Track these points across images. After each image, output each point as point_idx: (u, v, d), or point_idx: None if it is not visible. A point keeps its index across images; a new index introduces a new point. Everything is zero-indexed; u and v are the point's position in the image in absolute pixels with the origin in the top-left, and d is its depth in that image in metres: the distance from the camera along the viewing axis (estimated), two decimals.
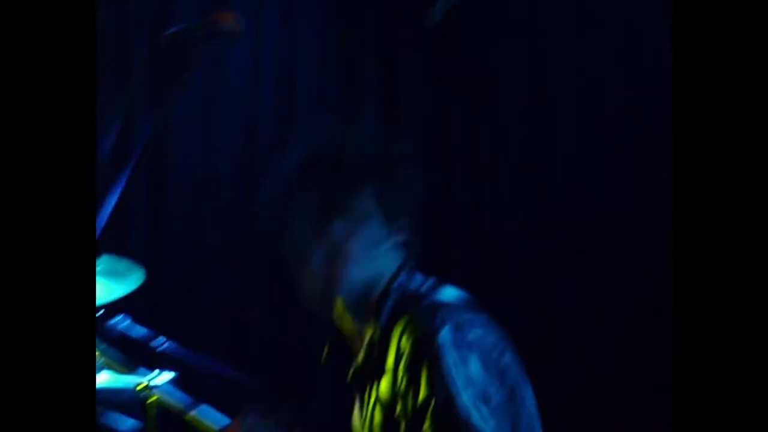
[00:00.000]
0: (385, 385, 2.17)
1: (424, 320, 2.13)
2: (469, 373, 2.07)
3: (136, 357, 3.37)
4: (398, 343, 2.15)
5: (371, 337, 2.25)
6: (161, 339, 3.31)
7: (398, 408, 2.12)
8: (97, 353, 3.39)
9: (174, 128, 4.67)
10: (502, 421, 2.06)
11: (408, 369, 2.10)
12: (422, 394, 2.07)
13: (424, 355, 2.09)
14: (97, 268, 1.83)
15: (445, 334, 2.09)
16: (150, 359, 3.32)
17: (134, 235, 4.66)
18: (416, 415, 2.07)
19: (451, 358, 2.07)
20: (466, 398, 2.04)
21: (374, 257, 2.26)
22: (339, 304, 2.29)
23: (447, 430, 2.03)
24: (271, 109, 4.88)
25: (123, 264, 3.33)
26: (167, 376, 3.19)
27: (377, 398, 2.19)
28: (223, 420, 3.06)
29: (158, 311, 4.48)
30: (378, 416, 2.18)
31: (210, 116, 4.81)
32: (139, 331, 3.40)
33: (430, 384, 2.06)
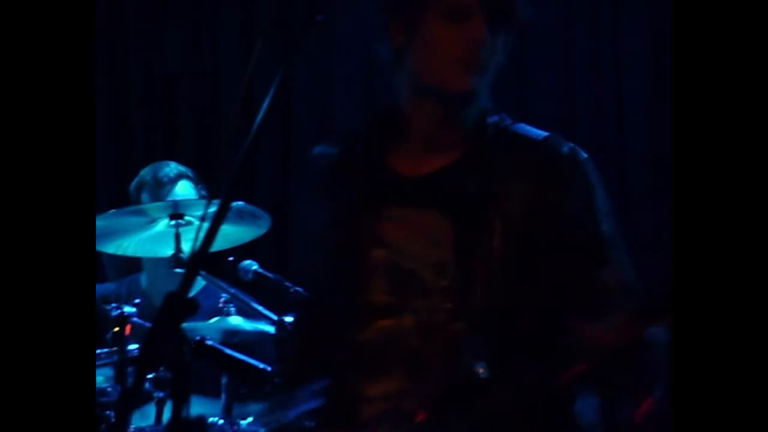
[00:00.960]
0: (512, 203, 2.13)
1: (555, 142, 2.19)
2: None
3: (266, 301, 3.45)
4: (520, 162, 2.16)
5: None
6: (289, 284, 3.37)
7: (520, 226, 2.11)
8: (227, 297, 3.49)
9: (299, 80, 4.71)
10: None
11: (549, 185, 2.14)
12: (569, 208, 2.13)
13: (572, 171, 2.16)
14: (227, 213, 1.85)
15: (583, 155, 2.19)
16: (279, 305, 3.38)
17: (262, 184, 4.75)
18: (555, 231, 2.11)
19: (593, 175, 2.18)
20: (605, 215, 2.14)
21: None
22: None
23: (591, 239, 2.12)
24: None
25: (251, 210, 3.40)
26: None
27: (498, 219, 2.12)
28: None
29: (285, 259, 4.55)
30: (503, 239, 2.11)
31: (331, 70, 4.83)
32: (268, 275, 3.47)
33: (576, 197, 2.14)
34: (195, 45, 5.01)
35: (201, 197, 3.89)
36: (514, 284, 2.10)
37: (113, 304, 3.30)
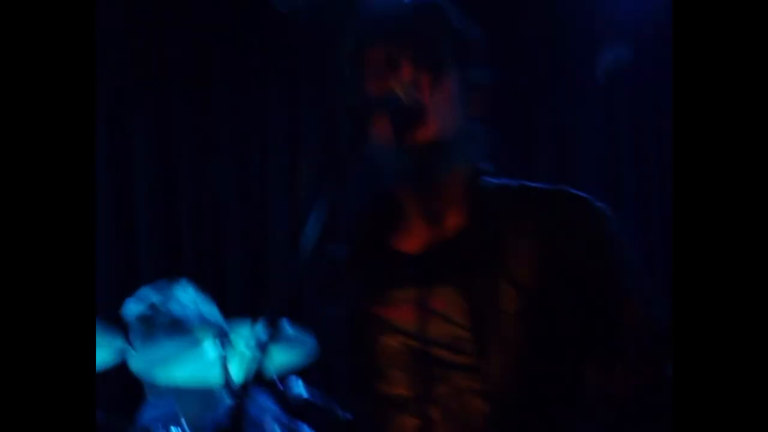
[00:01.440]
0: (521, 266, 2.07)
1: (563, 196, 2.14)
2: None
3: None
4: (541, 220, 2.10)
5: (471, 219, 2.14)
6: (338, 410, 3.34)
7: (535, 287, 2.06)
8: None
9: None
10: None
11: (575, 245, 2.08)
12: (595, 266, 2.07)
13: (598, 229, 2.10)
14: (275, 336, 1.85)
15: (597, 205, 2.13)
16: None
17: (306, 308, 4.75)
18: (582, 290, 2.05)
19: (610, 226, 2.12)
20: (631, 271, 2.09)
21: None
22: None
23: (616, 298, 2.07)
24: None
25: (298, 335, 3.39)
26: None
27: (509, 281, 2.06)
28: None
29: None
30: (514, 301, 2.06)
31: None
32: (315, 394, 3.45)
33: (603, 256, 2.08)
34: (241, 169, 5.09)
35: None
36: (534, 346, 2.06)
37: None
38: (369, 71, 2.12)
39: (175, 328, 3.73)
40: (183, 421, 3.53)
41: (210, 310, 3.91)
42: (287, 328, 3.35)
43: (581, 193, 2.15)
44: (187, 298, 3.92)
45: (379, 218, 2.25)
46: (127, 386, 4.20)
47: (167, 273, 4.95)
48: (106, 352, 3.56)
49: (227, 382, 3.33)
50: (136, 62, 5.01)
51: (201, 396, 3.68)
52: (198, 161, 5.11)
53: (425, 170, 2.14)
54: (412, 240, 2.19)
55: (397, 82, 2.07)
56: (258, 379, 1.76)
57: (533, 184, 2.19)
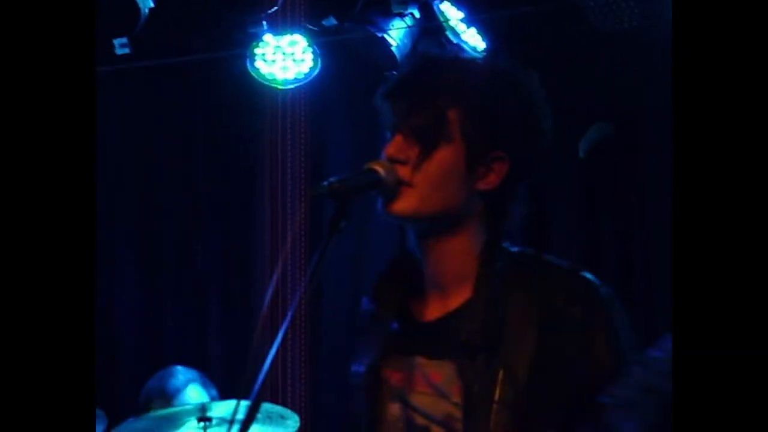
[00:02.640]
0: (522, 354, 2.03)
1: (585, 283, 2.08)
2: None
3: None
4: (543, 305, 2.04)
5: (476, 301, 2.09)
6: None
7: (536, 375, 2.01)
8: None
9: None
10: None
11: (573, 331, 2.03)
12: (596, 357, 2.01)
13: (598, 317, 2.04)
14: (257, 415, 1.84)
15: (604, 291, 2.07)
16: None
17: (291, 381, 4.73)
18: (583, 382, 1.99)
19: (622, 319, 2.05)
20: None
21: None
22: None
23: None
24: None
25: (279, 411, 3.37)
26: None
27: (507, 371, 2.02)
28: None
29: None
30: (505, 390, 2.02)
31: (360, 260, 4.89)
32: None
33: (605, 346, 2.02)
34: (225, 243, 5.10)
35: (212, 399, 3.86)
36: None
37: None
38: (389, 135, 2.12)
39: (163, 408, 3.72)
40: None
41: (201, 392, 3.90)
42: (271, 406, 3.33)
43: (592, 279, 2.09)
44: (182, 380, 3.92)
45: (398, 280, 2.20)
46: None
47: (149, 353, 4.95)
48: None
49: None
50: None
51: None
52: (182, 240, 5.12)
53: (420, 237, 2.12)
54: (426, 306, 2.16)
55: (386, 157, 2.08)
56: None
57: (548, 259, 2.14)
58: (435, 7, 4.30)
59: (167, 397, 3.88)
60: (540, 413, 2.03)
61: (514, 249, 2.14)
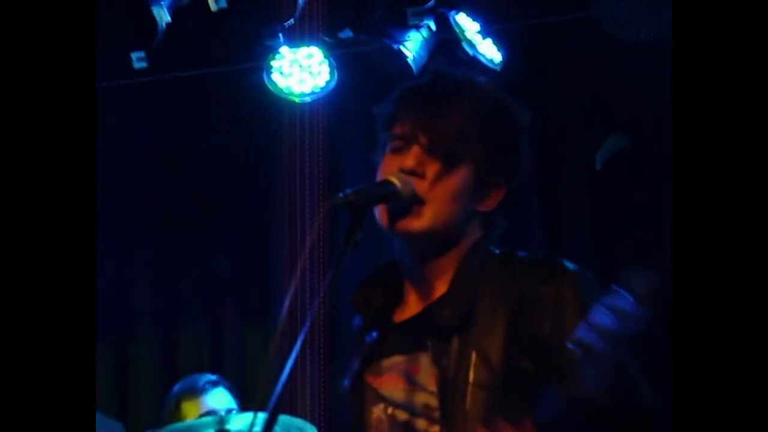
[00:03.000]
0: (494, 335, 2.05)
1: (555, 266, 2.12)
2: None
3: None
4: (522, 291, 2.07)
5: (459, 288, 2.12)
6: None
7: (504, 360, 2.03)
8: None
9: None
10: None
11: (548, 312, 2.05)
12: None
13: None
14: (275, 427, 1.85)
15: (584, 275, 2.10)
16: None
17: (309, 393, 4.73)
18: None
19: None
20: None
21: None
22: None
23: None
24: None
25: (297, 423, 3.37)
26: None
27: (480, 353, 2.05)
28: None
29: None
30: (479, 372, 2.05)
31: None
32: None
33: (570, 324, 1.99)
34: (244, 259, 5.10)
35: (233, 409, 3.88)
36: (494, 416, 2.03)
37: None
38: (393, 146, 2.14)
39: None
40: None
41: (228, 397, 3.92)
42: (289, 418, 3.33)
43: (570, 265, 2.12)
44: (211, 381, 3.95)
45: (379, 290, 2.24)
46: None
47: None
48: None
49: None
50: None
51: None
52: (199, 254, 5.13)
53: (417, 255, 2.16)
54: (407, 310, 2.19)
55: (401, 168, 2.09)
56: None
57: (521, 254, 2.18)
58: (451, 19, 4.30)
59: (197, 393, 3.90)
60: (515, 393, 2.04)
61: (497, 251, 2.19)
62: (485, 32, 4.34)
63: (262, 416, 1.87)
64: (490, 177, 2.15)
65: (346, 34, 4.35)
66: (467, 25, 4.33)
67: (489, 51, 4.35)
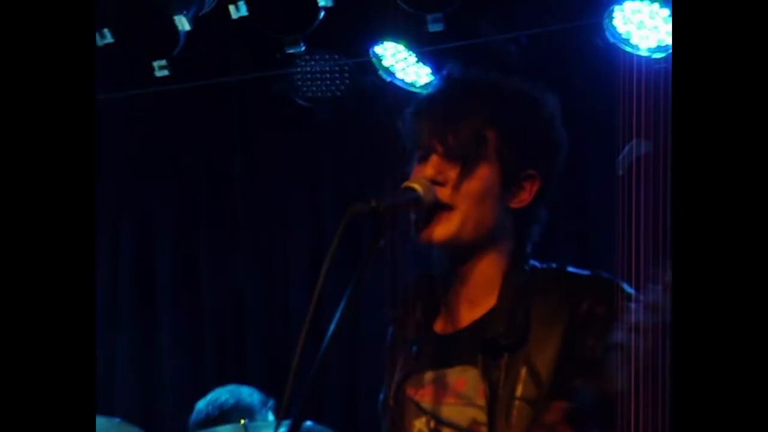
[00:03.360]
0: (546, 353, 2.05)
1: (607, 284, 2.08)
2: None
3: None
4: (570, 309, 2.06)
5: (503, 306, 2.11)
6: None
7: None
8: None
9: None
10: None
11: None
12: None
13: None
14: None
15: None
16: None
17: (331, 401, 4.72)
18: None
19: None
20: None
21: None
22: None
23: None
24: None
25: (320, 430, 3.37)
26: None
27: (529, 370, 2.04)
28: None
29: None
30: (527, 387, 2.04)
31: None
32: None
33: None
34: (263, 266, 5.10)
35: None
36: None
37: None
38: (417, 156, 2.14)
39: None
40: None
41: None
42: (312, 425, 3.33)
43: (613, 280, 2.10)
44: (258, 400, 3.90)
45: (420, 300, 2.23)
46: None
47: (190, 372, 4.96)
48: None
49: None
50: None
51: None
52: (220, 262, 5.13)
53: (454, 261, 2.15)
54: (449, 320, 2.18)
55: (423, 175, 2.08)
56: None
57: (572, 270, 2.17)
58: (370, 51, 4.17)
59: (249, 411, 3.82)
60: (561, 410, 2.05)
61: (541, 265, 2.18)
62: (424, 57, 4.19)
63: (285, 424, 1.86)
64: (520, 171, 2.13)
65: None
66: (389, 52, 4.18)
67: (414, 76, 4.22)
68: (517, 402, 2.03)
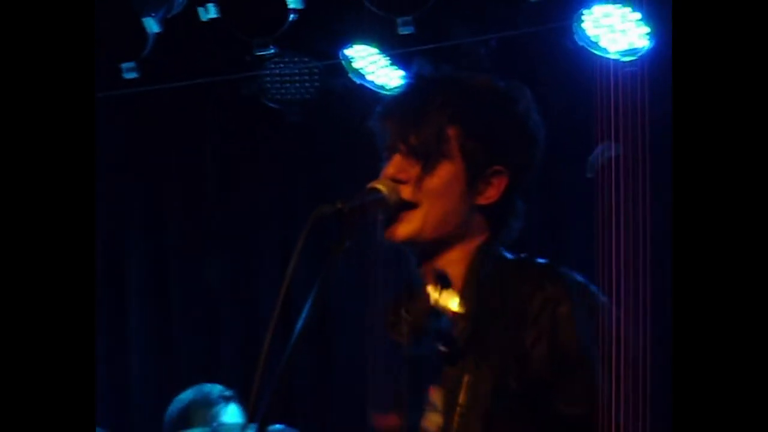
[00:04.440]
0: (492, 358, 2.04)
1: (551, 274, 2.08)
2: None
3: None
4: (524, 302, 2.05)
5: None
6: None
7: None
8: None
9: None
10: None
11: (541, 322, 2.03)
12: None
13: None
14: None
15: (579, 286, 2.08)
16: None
17: (300, 402, 4.71)
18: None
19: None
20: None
21: None
22: None
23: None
24: None
25: None
26: None
27: (471, 374, 2.05)
28: None
29: None
30: (470, 394, 2.05)
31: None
32: None
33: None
34: (235, 267, 5.09)
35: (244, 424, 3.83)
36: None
37: None
38: (384, 156, 2.14)
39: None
40: None
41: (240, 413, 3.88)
42: (279, 427, 3.33)
43: (561, 271, 2.10)
44: (225, 395, 3.90)
45: (405, 302, 2.22)
46: None
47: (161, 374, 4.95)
48: None
49: None
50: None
51: None
52: (191, 263, 5.11)
53: (420, 260, 2.15)
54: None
55: (385, 174, 2.09)
56: None
57: (532, 260, 2.15)
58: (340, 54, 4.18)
59: (210, 404, 3.82)
60: (509, 413, 2.04)
61: (511, 256, 2.15)
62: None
63: (252, 428, 1.86)
64: (486, 168, 2.12)
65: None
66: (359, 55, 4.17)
67: (385, 78, 4.20)
68: (459, 409, 2.03)
